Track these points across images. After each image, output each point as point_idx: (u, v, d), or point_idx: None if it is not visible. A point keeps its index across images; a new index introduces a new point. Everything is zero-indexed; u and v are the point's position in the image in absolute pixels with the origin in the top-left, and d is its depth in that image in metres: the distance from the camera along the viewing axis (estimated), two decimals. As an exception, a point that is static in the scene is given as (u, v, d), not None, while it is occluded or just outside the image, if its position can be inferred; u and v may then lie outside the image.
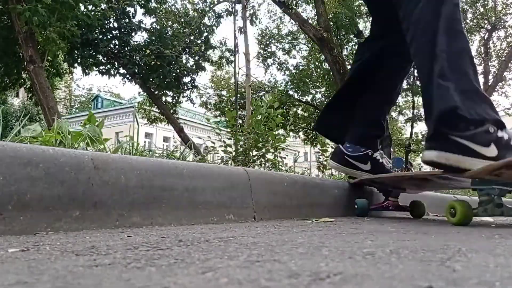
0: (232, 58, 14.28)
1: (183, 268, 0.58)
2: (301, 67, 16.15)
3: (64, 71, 11.91)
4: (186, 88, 12.87)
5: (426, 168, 2.43)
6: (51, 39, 7.03)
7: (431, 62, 1.58)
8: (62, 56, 10.12)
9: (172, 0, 13.58)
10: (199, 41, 13.14)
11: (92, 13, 9.03)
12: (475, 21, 14.26)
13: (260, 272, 0.55)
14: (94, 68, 11.62)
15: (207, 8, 13.86)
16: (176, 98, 12.97)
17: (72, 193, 1.06)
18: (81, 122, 2.13)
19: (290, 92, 16.27)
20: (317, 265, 0.60)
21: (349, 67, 12.37)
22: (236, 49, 12.49)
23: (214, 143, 3.24)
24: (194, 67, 12.68)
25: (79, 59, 10.94)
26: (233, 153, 3.06)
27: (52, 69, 10.54)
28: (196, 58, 12.91)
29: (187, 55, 12.81)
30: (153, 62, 11.11)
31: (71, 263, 0.61)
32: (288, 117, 15.86)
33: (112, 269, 0.57)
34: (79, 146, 1.55)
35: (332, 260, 0.65)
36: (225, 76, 19.12)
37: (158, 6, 12.11)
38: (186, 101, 13.28)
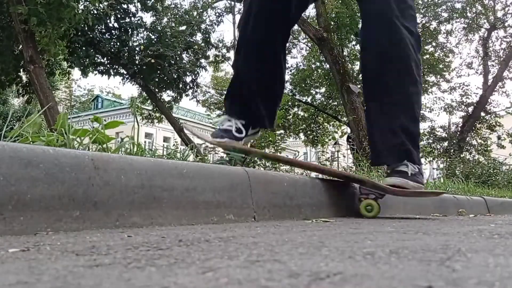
0: (228, 55, 14.25)
1: (183, 268, 0.58)
2: (301, 67, 16.15)
3: (62, 72, 11.90)
4: (188, 87, 12.87)
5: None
6: (51, 39, 7.04)
7: None
8: (63, 56, 10.12)
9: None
10: (198, 38, 13.12)
11: (94, 12, 9.04)
12: (474, 20, 14.25)
13: (260, 272, 0.55)
14: (93, 69, 11.60)
15: (207, 5, 13.85)
16: (175, 96, 12.96)
17: (73, 193, 1.06)
18: (82, 123, 2.13)
19: (292, 92, 16.29)
20: (317, 265, 0.60)
21: (349, 67, 12.38)
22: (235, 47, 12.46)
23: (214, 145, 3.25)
24: (194, 67, 12.67)
25: (80, 59, 10.93)
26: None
27: (47, 69, 10.54)
28: (196, 57, 12.90)
29: (187, 54, 12.81)
30: (152, 60, 11.10)
31: (72, 263, 0.61)
32: (288, 118, 15.88)
33: (112, 269, 0.57)
34: (81, 146, 1.55)
35: (332, 260, 0.65)
36: (225, 77, 19.13)
37: (155, 2, 12.06)
38: (190, 99, 13.34)
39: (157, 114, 14.02)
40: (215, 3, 14.26)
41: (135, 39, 12.22)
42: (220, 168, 1.60)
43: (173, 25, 12.95)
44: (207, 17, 13.95)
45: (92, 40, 10.92)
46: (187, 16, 13.11)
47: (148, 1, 11.81)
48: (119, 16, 11.43)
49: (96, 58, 11.39)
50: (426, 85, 15.44)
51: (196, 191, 1.39)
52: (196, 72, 12.84)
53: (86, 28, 9.78)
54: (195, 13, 13.42)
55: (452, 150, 13.58)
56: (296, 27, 14.29)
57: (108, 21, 11.31)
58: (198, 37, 13.40)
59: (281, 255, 0.70)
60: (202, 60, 13.44)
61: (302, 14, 2.27)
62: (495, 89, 15.17)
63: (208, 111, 18.83)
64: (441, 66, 14.90)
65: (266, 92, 2.12)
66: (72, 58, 10.84)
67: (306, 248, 0.79)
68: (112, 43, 11.64)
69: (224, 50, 14.80)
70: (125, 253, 0.71)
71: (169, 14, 13.07)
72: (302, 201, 1.87)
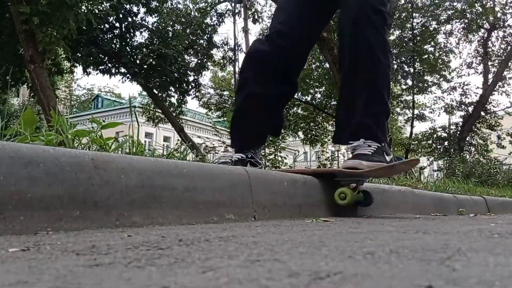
0: (234, 57, 14.31)
1: (183, 268, 0.58)
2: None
3: (65, 71, 11.90)
4: (190, 87, 12.88)
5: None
6: (52, 39, 7.03)
7: None
8: (65, 55, 10.11)
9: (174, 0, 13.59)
10: (201, 41, 13.16)
11: (95, 12, 9.04)
12: (474, 20, 14.25)
13: (260, 272, 0.55)
14: (95, 67, 11.61)
15: (208, 8, 13.89)
16: (181, 98, 12.98)
17: (73, 193, 1.06)
18: (81, 122, 2.13)
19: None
20: (317, 265, 0.60)
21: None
22: (238, 47, 12.50)
23: (214, 145, 3.25)
24: (197, 67, 12.69)
25: (82, 58, 10.94)
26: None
27: (54, 68, 10.54)
28: (199, 57, 12.92)
29: (190, 55, 12.83)
30: (154, 62, 11.11)
31: (72, 263, 0.61)
32: (288, 117, 15.88)
33: (113, 269, 0.57)
34: (80, 145, 1.55)
35: (332, 259, 0.65)
36: (226, 76, 19.11)
37: (159, 5, 12.12)
38: (192, 98, 13.36)
39: (161, 116, 14.01)
40: (216, 5, 14.28)
41: (137, 39, 12.24)
42: (220, 167, 1.60)
43: (177, 26, 12.98)
44: (208, 17, 13.97)
45: (94, 39, 10.92)
46: (189, 17, 13.12)
47: (152, 1, 11.82)
48: (121, 16, 11.44)
49: (99, 57, 11.39)
50: (426, 85, 15.44)
51: (196, 190, 1.39)
52: (198, 72, 12.86)
53: (87, 28, 9.78)
54: (197, 14, 13.44)
55: (452, 150, 13.58)
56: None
57: (110, 19, 11.32)
58: (200, 37, 13.42)
59: (281, 255, 0.70)
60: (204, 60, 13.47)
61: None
62: (495, 89, 15.18)
63: (209, 112, 18.83)
64: (440, 66, 14.90)
65: None
66: (75, 56, 10.85)
67: (306, 248, 0.79)
68: (114, 42, 11.66)
69: (230, 53, 14.79)
70: (125, 253, 0.71)
71: (172, 16, 13.08)
72: (302, 201, 1.87)
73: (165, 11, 12.70)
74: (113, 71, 12.00)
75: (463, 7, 13.73)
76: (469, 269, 0.57)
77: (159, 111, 13.65)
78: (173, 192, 1.31)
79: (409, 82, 14.79)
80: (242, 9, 12.79)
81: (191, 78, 12.81)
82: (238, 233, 1.07)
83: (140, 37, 12.37)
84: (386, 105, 2.04)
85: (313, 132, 16.73)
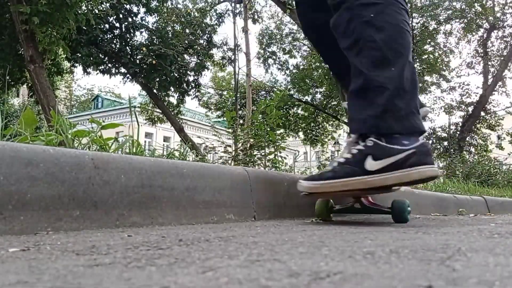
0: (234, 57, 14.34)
1: (183, 268, 0.58)
2: (301, 67, 16.15)
3: (65, 71, 11.89)
4: (190, 87, 12.90)
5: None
6: (52, 39, 7.04)
7: None
8: (65, 55, 10.12)
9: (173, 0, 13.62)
10: (201, 41, 13.18)
11: (95, 12, 9.06)
12: (473, 20, 14.25)
13: (260, 272, 0.55)
14: (95, 67, 11.61)
15: (208, 8, 13.91)
16: (181, 98, 13.00)
17: (73, 193, 1.06)
18: (81, 122, 2.13)
19: (291, 92, 16.30)
20: (317, 265, 0.60)
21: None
22: (238, 47, 12.51)
23: (213, 145, 3.25)
24: (197, 67, 12.71)
25: (82, 58, 10.95)
26: (233, 153, 3.07)
27: (53, 68, 10.54)
28: (199, 57, 12.93)
29: (189, 55, 12.85)
30: (154, 62, 11.11)
31: (72, 263, 0.61)
32: (288, 117, 15.89)
33: (113, 269, 0.57)
34: (80, 145, 1.55)
35: (332, 259, 0.65)
36: (226, 77, 19.13)
37: (160, 5, 12.14)
38: (192, 99, 13.41)
39: (160, 115, 14.05)
40: (216, 5, 14.32)
41: (137, 39, 12.26)
42: (220, 167, 1.60)
43: (176, 26, 13.01)
44: (208, 17, 14.01)
45: (94, 39, 10.94)
46: (188, 17, 13.14)
47: (152, 1, 11.85)
48: (121, 16, 11.46)
49: (99, 57, 11.40)
50: (426, 85, 15.45)
51: (196, 190, 1.39)
52: (198, 72, 12.88)
53: (87, 28, 9.79)
54: (197, 14, 13.46)
55: (452, 150, 13.58)
56: (295, 27, 14.29)
57: (110, 19, 11.33)
58: (200, 37, 13.44)
59: (281, 255, 0.70)
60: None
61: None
62: (495, 89, 15.19)
63: (208, 112, 18.87)
64: (440, 65, 14.92)
65: None
66: (75, 56, 10.86)
67: (306, 248, 0.79)
68: (114, 42, 11.67)
69: (229, 53, 14.83)
70: (125, 253, 0.71)
71: (172, 16, 13.10)
72: (302, 201, 1.86)
73: (165, 10, 12.73)
74: (113, 71, 12.01)
75: (462, 7, 13.75)
76: (469, 269, 0.57)
77: (158, 110, 13.67)
78: (173, 192, 1.32)
79: (409, 82, 14.77)
80: (242, 9, 12.84)
81: (191, 78, 12.84)
82: (238, 233, 1.07)
83: (140, 37, 12.39)
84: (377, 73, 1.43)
85: (314, 132, 16.73)
